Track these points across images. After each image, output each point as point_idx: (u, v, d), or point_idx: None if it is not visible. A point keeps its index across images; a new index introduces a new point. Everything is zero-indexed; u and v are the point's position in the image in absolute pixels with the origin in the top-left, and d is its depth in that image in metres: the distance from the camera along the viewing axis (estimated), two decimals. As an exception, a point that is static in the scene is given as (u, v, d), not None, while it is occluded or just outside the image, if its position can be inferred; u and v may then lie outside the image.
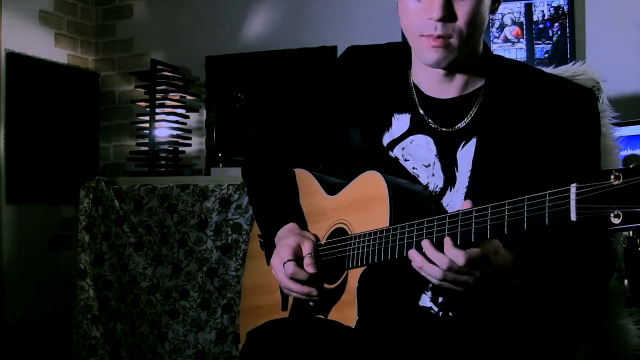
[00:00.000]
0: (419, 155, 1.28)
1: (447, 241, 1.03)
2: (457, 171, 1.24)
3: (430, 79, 1.28)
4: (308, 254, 1.24)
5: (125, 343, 2.75)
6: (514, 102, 1.23)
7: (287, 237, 1.29)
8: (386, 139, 1.31)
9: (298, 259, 1.25)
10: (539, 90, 1.23)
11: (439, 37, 1.16)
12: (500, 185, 1.17)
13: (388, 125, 1.31)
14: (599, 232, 1.16)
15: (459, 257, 1.01)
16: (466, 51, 1.20)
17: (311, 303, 1.27)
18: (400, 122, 1.31)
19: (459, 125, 1.25)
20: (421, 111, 1.29)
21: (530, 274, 1.10)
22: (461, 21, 1.15)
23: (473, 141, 1.24)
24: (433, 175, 1.26)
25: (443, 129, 1.26)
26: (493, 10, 1.23)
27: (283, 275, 1.25)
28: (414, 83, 1.31)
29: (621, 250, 1.56)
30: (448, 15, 1.14)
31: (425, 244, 1.05)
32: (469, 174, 1.22)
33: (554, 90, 1.23)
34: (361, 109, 1.33)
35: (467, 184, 1.22)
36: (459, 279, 1.04)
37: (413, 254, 1.07)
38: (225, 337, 2.60)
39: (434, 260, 1.04)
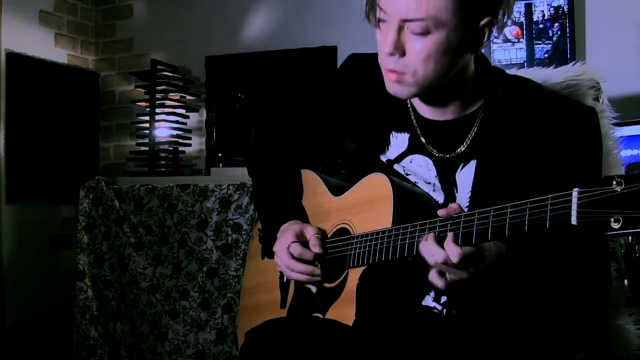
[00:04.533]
0: (419, 173, 1.27)
1: (450, 236, 1.02)
2: (457, 192, 1.24)
3: (422, 104, 1.27)
4: (314, 235, 1.25)
5: (126, 343, 2.75)
6: (513, 123, 1.21)
7: (290, 226, 1.30)
8: (385, 157, 1.31)
9: (303, 243, 1.25)
10: (540, 110, 1.21)
11: (392, 71, 1.15)
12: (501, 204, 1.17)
13: (387, 143, 1.31)
14: (598, 237, 1.16)
15: (453, 254, 1.01)
16: (429, 87, 1.16)
17: (314, 290, 1.27)
18: (399, 141, 1.30)
19: (457, 149, 1.24)
20: (419, 133, 1.28)
21: (517, 266, 1.10)
22: (413, 58, 1.12)
23: (472, 163, 1.23)
24: (434, 191, 1.26)
25: (441, 155, 1.25)
26: (474, 48, 1.16)
27: (286, 256, 1.25)
28: (411, 102, 1.30)
29: (620, 253, 1.56)
30: (398, 51, 1.12)
31: (430, 237, 1.05)
32: (469, 194, 1.22)
33: (554, 109, 1.21)
34: (359, 123, 1.33)
35: (467, 203, 1.22)
36: (456, 272, 1.04)
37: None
38: (225, 337, 2.60)
39: (433, 254, 1.04)
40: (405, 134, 1.29)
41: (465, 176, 1.23)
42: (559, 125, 1.19)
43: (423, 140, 1.27)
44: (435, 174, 1.26)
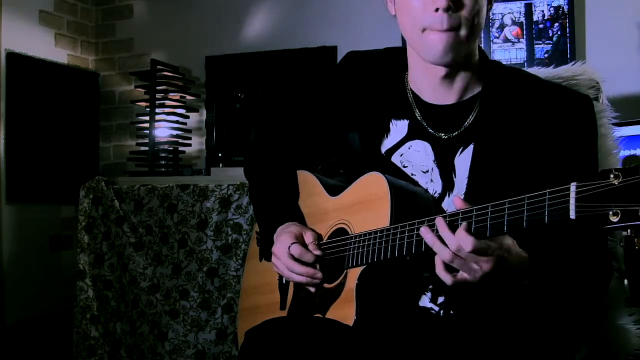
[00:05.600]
0: (417, 161, 1.28)
1: (463, 225, 1.01)
2: (455, 177, 1.24)
3: (429, 84, 1.27)
4: (311, 242, 1.26)
5: (126, 343, 2.75)
6: (511, 109, 1.23)
7: (288, 227, 1.31)
8: (385, 146, 1.31)
9: (302, 245, 1.27)
10: (536, 97, 1.23)
11: (446, 30, 1.15)
12: (498, 191, 1.16)
13: (386, 131, 1.31)
14: (597, 230, 1.16)
15: (467, 242, 0.99)
16: (470, 46, 1.20)
17: (312, 289, 1.27)
18: (399, 128, 1.31)
19: (457, 131, 1.26)
20: (419, 117, 1.29)
21: (541, 275, 1.09)
22: (468, 9, 1.15)
23: (471, 147, 1.24)
24: (432, 181, 1.26)
25: (441, 135, 1.26)
26: (488, 10, 1.23)
27: (286, 258, 1.25)
28: (411, 89, 1.31)
29: (621, 251, 1.56)
30: (454, 3, 1.13)
31: (439, 222, 1.04)
32: (466, 180, 1.23)
33: (550, 96, 1.23)
34: (360, 114, 1.34)
35: (465, 189, 1.22)
36: (468, 266, 1.02)
37: (425, 230, 1.05)
38: (225, 337, 2.60)
39: (445, 240, 1.03)
40: (405, 120, 1.30)
41: (463, 160, 1.24)
42: (554, 111, 1.21)
43: (423, 123, 1.28)
44: (433, 158, 1.26)
